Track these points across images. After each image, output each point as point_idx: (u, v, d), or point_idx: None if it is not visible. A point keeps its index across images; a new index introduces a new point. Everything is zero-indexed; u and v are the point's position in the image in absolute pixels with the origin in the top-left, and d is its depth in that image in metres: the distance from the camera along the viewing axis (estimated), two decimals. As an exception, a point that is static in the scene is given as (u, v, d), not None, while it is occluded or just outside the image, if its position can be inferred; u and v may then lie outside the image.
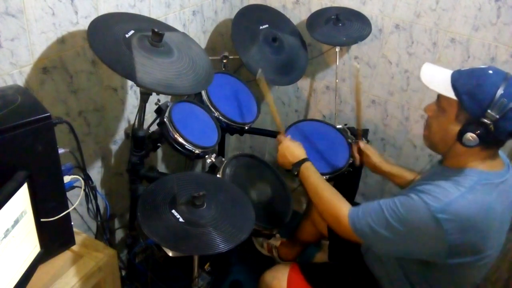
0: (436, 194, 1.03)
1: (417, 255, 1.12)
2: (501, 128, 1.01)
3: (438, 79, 1.10)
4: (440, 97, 1.11)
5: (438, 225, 1.00)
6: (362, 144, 1.63)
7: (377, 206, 1.11)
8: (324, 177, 1.70)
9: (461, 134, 1.05)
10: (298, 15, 2.06)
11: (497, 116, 1.00)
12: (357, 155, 1.64)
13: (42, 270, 1.09)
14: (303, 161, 1.38)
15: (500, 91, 0.99)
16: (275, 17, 1.96)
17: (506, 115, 1.00)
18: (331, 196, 1.25)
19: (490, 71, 1.05)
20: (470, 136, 1.03)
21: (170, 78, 1.23)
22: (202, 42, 1.95)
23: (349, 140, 1.85)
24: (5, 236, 0.88)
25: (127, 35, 1.22)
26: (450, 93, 1.06)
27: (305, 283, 1.36)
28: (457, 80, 1.06)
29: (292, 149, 1.40)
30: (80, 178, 1.25)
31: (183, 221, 1.13)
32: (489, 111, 1.00)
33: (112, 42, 1.18)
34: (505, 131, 1.02)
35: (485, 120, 1.01)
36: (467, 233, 1.01)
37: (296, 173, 1.37)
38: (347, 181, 1.96)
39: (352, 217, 1.14)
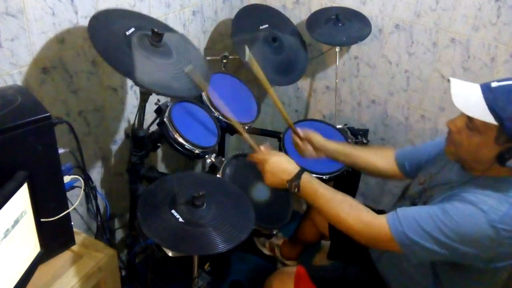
0: (491, 204, 0.99)
1: (458, 260, 1.06)
2: None
3: (472, 101, 1.01)
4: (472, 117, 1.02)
5: (497, 235, 0.98)
6: (301, 131, 1.46)
7: (424, 214, 1.03)
8: (324, 177, 1.71)
9: (504, 157, 1.00)
10: (298, 15, 2.06)
11: None
12: (299, 143, 1.45)
13: (42, 270, 1.09)
14: (300, 173, 1.17)
15: None
16: (275, 17, 1.96)
17: None
18: (354, 206, 1.11)
19: None
20: None
21: (168, 79, 1.23)
22: (202, 42, 1.95)
23: (349, 140, 1.85)
24: (5, 236, 0.88)
25: (127, 33, 1.22)
26: (490, 118, 0.97)
27: (312, 286, 1.34)
28: (493, 102, 0.98)
29: (281, 164, 1.18)
30: (80, 178, 1.25)
31: (183, 221, 1.13)
32: None
33: (112, 39, 1.18)
34: None
35: None
36: None
37: (296, 189, 1.16)
38: (347, 181, 1.96)
39: (394, 227, 1.04)
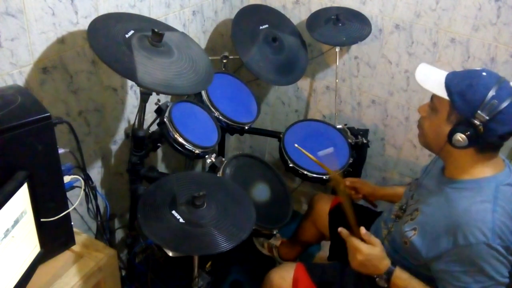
0: (476, 225, 1.02)
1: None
2: (490, 130, 1.01)
3: (432, 79, 1.11)
4: (433, 97, 1.12)
5: (498, 251, 1.01)
6: (348, 182, 1.58)
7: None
8: (324, 177, 1.71)
9: (451, 134, 1.05)
10: (298, 15, 2.06)
11: (487, 118, 1.00)
12: (352, 192, 1.58)
13: (42, 270, 1.09)
14: (391, 269, 1.16)
15: (491, 93, 1.00)
16: (275, 17, 1.96)
17: (496, 117, 1.00)
18: None
19: (484, 73, 1.06)
20: (460, 136, 1.03)
21: (170, 78, 1.23)
22: (202, 42, 1.95)
23: (349, 140, 1.85)
24: (5, 236, 0.88)
25: (127, 35, 1.22)
26: (443, 93, 1.06)
27: (311, 283, 1.35)
28: (451, 80, 1.07)
29: (375, 261, 1.17)
30: (80, 178, 1.25)
31: (183, 221, 1.13)
32: (479, 112, 1.00)
33: (112, 42, 1.18)
34: (494, 133, 1.02)
35: (475, 121, 1.01)
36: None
37: (385, 284, 1.18)
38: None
39: None
